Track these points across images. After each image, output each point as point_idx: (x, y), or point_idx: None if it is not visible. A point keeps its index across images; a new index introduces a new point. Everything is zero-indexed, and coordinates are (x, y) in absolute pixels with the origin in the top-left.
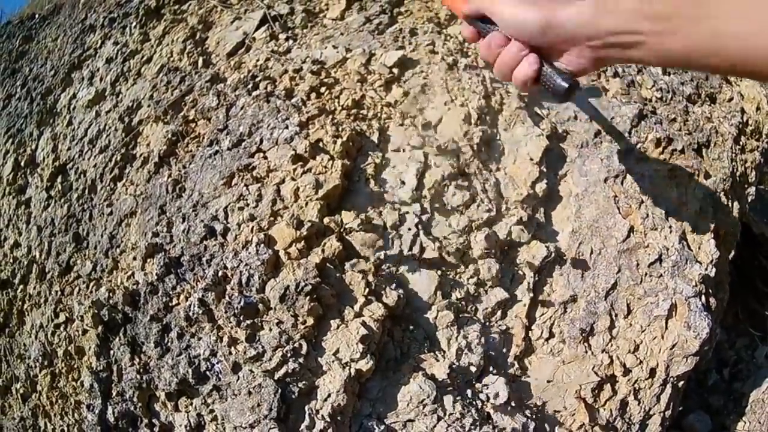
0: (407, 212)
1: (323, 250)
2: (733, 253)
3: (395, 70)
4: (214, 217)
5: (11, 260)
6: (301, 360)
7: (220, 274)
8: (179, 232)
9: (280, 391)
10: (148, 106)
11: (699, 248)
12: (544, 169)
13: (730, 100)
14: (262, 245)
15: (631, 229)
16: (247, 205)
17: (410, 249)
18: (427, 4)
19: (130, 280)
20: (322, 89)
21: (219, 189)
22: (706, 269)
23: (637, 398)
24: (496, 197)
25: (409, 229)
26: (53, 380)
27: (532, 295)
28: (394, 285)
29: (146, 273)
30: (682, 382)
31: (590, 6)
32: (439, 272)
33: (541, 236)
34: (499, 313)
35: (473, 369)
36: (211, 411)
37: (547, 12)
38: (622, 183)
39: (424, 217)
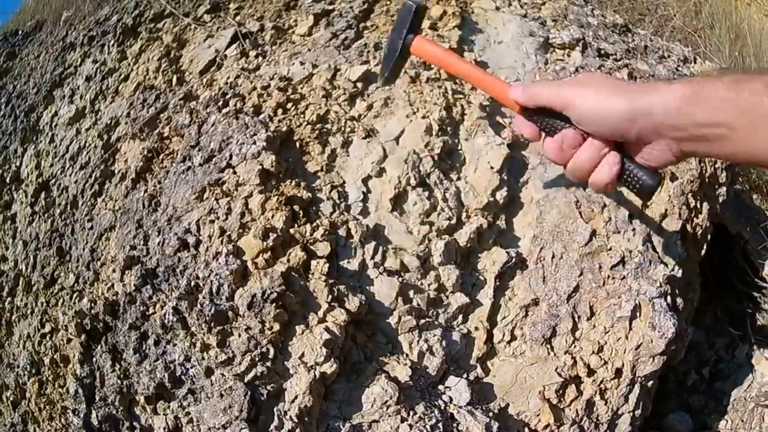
0: (369, 222)
1: (288, 260)
2: (703, 253)
3: (359, 85)
4: (186, 230)
5: None
6: (268, 364)
7: (192, 284)
8: (155, 244)
9: (249, 393)
10: (126, 123)
11: (665, 250)
12: (505, 177)
13: None
14: (231, 256)
15: (594, 233)
16: (218, 218)
17: (372, 257)
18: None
19: (110, 291)
20: (289, 105)
21: (191, 203)
22: (672, 270)
23: (603, 398)
24: (457, 205)
25: (371, 238)
26: (41, 387)
27: (493, 299)
28: (356, 292)
29: (125, 284)
30: (651, 382)
31: (679, 93)
32: (401, 279)
33: (502, 242)
34: (460, 317)
35: (435, 371)
36: (187, 413)
37: (633, 99)
38: (584, 188)
39: (385, 227)
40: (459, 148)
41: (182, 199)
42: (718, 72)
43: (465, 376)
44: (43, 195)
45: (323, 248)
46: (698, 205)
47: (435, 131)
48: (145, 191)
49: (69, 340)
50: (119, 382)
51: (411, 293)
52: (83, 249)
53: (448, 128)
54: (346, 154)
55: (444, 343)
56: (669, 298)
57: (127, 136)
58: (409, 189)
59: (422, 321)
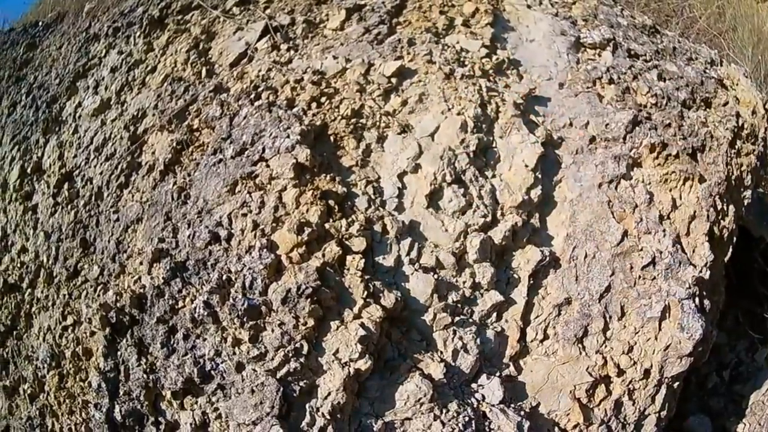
0: (404, 218)
1: (324, 255)
2: (728, 255)
3: (393, 80)
4: (218, 223)
5: (18, 265)
6: (302, 360)
7: (224, 277)
8: (185, 237)
9: (281, 389)
10: (153, 115)
11: (693, 251)
12: (539, 176)
13: (726, 104)
14: (265, 250)
15: (625, 233)
16: (250, 211)
17: (408, 254)
18: (425, 14)
19: (137, 284)
20: (323, 99)
21: (223, 196)
22: (700, 272)
23: (631, 399)
24: (492, 203)
25: (407, 234)
26: (61, 381)
27: (526, 297)
28: (392, 288)
29: (153, 277)
30: (677, 383)
31: None
32: (436, 276)
33: (536, 241)
34: (494, 315)
35: (469, 369)
36: (216, 409)
37: None
38: (616, 188)
39: (420, 223)
40: (494, 145)
41: (213, 191)
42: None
43: (498, 374)
44: (66, 186)
45: (359, 243)
46: (725, 208)
47: (470, 128)
48: (174, 183)
49: (93, 333)
50: (145, 376)
51: (446, 290)
52: (108, 241)
53: (483, 125)
54: (381, 150)
55: (478, 341)
56: (697, 300)
57: (155, 127)
58: (445, 185)
59: (457, 318)
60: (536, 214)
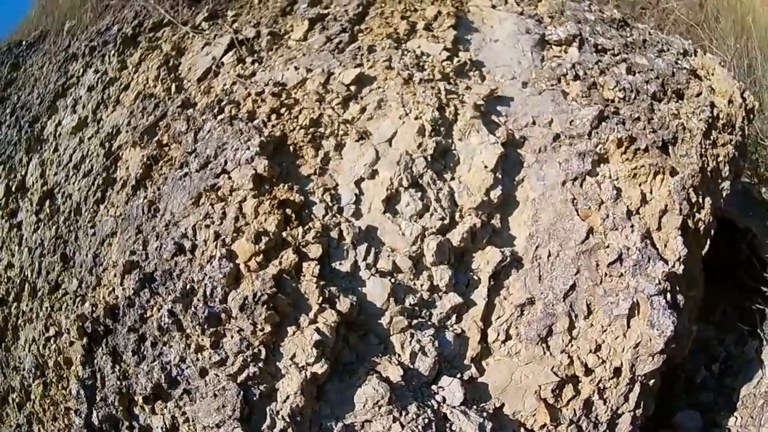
0: (361, 224)
1: (280, 262)
2: (706, 248)
3: (353, 88)
4: (183, 235)
5: (5, 280)
6: (260, 364)
7: (188, 287)
8: (153, 249)
9: (242, 393)
10: (127, 132)
11: (665, 246)
12: (500, 176)
13: (699, 95)
14: (225, 260)
15: (591, 231)
16: (213, 222)
17: (364, 259)
18: (387, 20)
19: (111, 295)
20: (282, 110)
21: (188, 208)
22: (672, 267)
23: (602, 398)
24: (450, 205)
25: (363, 240)
26: (45, 389)
27: (487, 299)
28: (348, 293)
29: (124, 288)
30: (652, 381)
31: None
32: (392, 280)
33: (496, 241)
34: (453, 317)
35: (427, 372)
36: (183, 413)
37: None
38: (581, 185)
39: (377, 228)
40: (453, 147)
41: (179, 204)
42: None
43: (459, 376)
44: (48, 203)
45: (315, 250)
46: (700, 200)
47: (428, 132)
48: (145, 197)
49: (72, 343)
50: (119, 383)
51: (403, 294)
52: (86, 255)
53: (441, 128)
54: (340, 157)
55: (436, 343)
56: (669, 296)
57: (128, 144)
58: (402, 190)
59: (414, 321)
60: (497, 214)
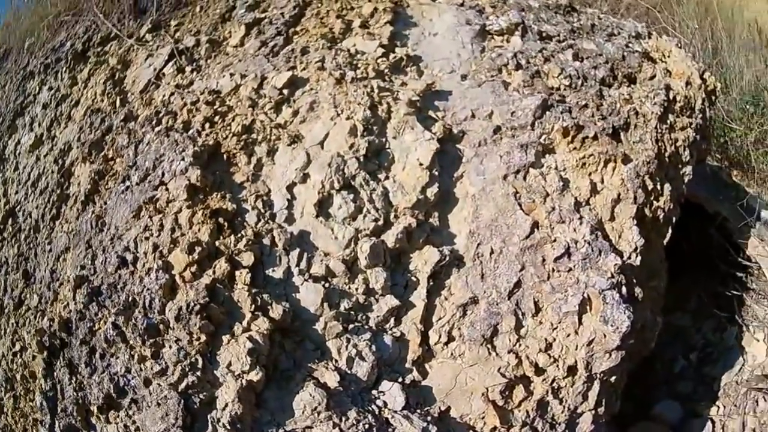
0: (293, 229)
1: (214, 272)
2: (668, 237)
3: (285, 91)
4: (126, 248)
5: None
6: (198, 373)
7: (129, 299)
8: (99, 263)
9: (183, 402)
10: (77, 147)
11: (619, 237)
12: (436, 173)
13: (653, 78)
14: (161, 271)
15: (536, 225)
16: (152, 234)
17: (297, 264)
18: (322, 21)
19: (66, 309)
20: (216, 118)
21: (130, 222)
22: (628, 258)
23: (558, 398)
24: (384, 206)
25: (296, 245)
26: (15, 402)
27: (426, 300)
28: (281, 300)
29: (76, 302)
30: (614, 377)
31: None
32: (326, 285)
33: (435, 241)
34: (392, 320)
35: (366, 376)
36: (134, 422)
37: None
38: (524, 178)
39: (310, 232)
40: (387, 146)
41: (122, 218)
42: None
43: (400, 380)
44: (10, 221)
45: (247, 258)
46: (658, 187)
47: (360, 132)
48: (93, 212)
49: (34, 357)
50: (75, 394)
51: (338, 298)
52: (45, 271)
53: (374, 127)
54: (272, 163)
55: (374, 347)
56: (624, 289)
57: (79, 159)
58: (334, 193)
59: (350, 326)
60: (435, 213)
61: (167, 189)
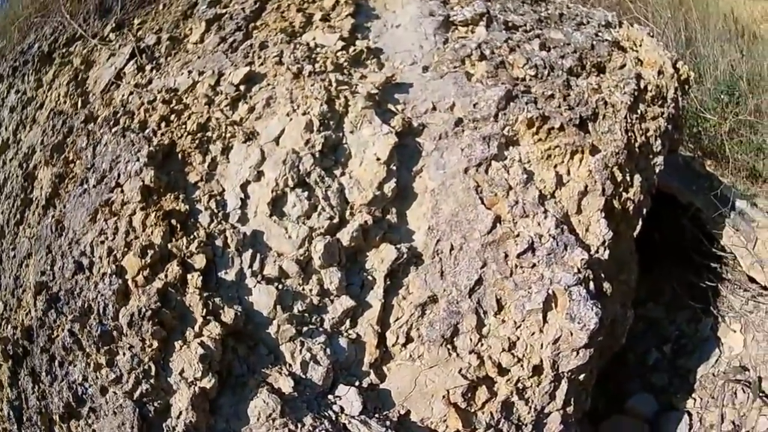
0: (246, 229)
1: (166, 275)
2: (638, 228)
3: (242, 87)
4: (82, 253)
5: None
6: (152, 381)
7: (85, 305)
8: (57, 269)
9: (138, 410)
10: (40, 151)
11: (586, 230)
12: (394, 168)
13: (623, 67)
14: (114, 276)
15: (498, 220)
16: (107, 238)
17: (250, 266)
18: (283, 15)
19: (28, 317)
20: (172, 117)
21: (86, 225)
22: (596, 252)
23: (523, 398)
24: (340, 203)
25: (249, 246)
26: None
27: (383, 300)
28: (233, 303)
29: (36, 309)
30: (582, 375)
31: None
32: (279, 286)
33: (392, 238)
34: (347, 322)
35: (321, 381)
36: (94, 431)
37: None
38: (486, 171)
39: (264, 232)
40: (344, 141)
41: (80, 222)
42: None
43: (357, 383)
44: None
45: (199, 261)
46: (627, 178)
47: (316, 127)
48: (53, 217)
49: (0, 366)
50: (38, 402)
51: (291, 300)
52: (9, 277)
53: (331, 122)
54: (227, 161)
55: (328, 350)
56: (591, 284)
57: (41, 163)
58: (288, 190)
59: (304, 329)
60: (392, 209)
61: (122, 191)
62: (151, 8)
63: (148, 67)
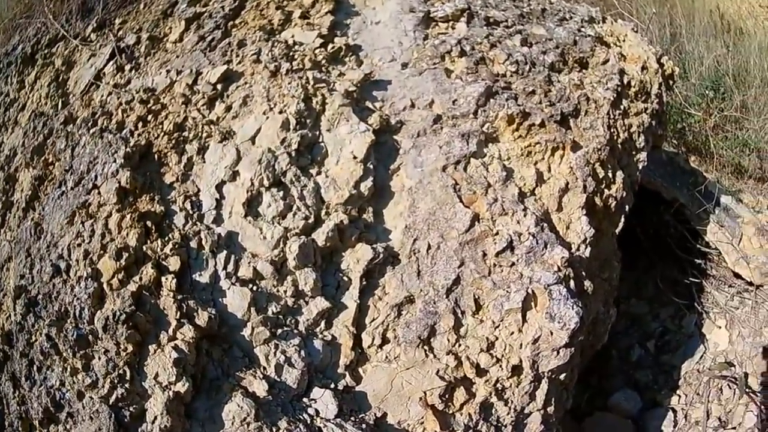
0: (221, 230)
1: (141, 278)
2: (621, 225)
3: (219, 86)
4: (60, 256)
5: None
6: (127, 385)
7: (62, 309)
8: (36, 272)
9: (114, 415)
10: (21, 153)
11: (567, 228)
12: (371, 166)
13: (606, 62)
14: (90, 279)
15: (476, 218)
16: (84, 241)
17: (224, 267)
18: (262, 12)
19: (8, 321)
20: (149, 117)
21: (64, 228)
22: (577, 250)
23: (502, 399)
24: (316, 203)
25: (223, 247)
26: None
27: (359, 301)
28: (207, 306)
29: (16, 313)
30: (563, 375)
31: None
32: (254, 288)
33: (368, 237)
34: (322, 323)
35: (296, 384)
36: None
37: None
38: (465, 169)
39: (239, 233)
40: (320, 140)
41: (58, 224)
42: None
43: (332, 386)
44: None
45: (174, 263)
46: (610, 175)
47: (292, 126)
48: (32, 219)
49: None
50: (19, 408)
51: (265, 302)
52: None
53: (308, 121)
54: (202, 161)
55: (303, 352)
56: (572, 283)
57: (22, 165)
58: (263, 190)
59: (279, 331)
60: (369, 208)
61: (99, 193)
62: (132, 8)
63: (127, 67)
